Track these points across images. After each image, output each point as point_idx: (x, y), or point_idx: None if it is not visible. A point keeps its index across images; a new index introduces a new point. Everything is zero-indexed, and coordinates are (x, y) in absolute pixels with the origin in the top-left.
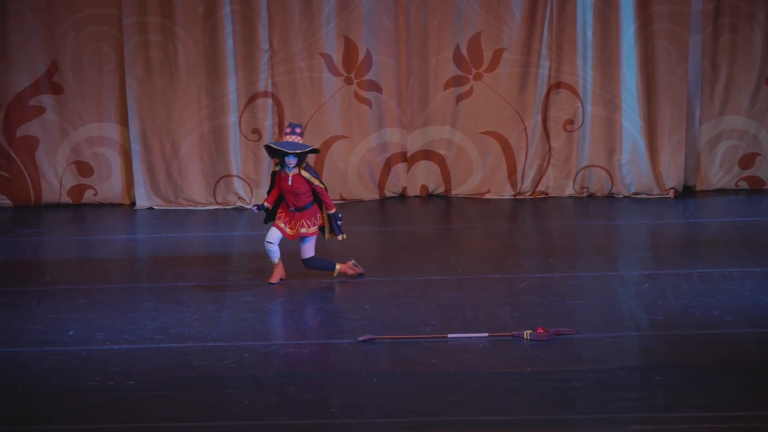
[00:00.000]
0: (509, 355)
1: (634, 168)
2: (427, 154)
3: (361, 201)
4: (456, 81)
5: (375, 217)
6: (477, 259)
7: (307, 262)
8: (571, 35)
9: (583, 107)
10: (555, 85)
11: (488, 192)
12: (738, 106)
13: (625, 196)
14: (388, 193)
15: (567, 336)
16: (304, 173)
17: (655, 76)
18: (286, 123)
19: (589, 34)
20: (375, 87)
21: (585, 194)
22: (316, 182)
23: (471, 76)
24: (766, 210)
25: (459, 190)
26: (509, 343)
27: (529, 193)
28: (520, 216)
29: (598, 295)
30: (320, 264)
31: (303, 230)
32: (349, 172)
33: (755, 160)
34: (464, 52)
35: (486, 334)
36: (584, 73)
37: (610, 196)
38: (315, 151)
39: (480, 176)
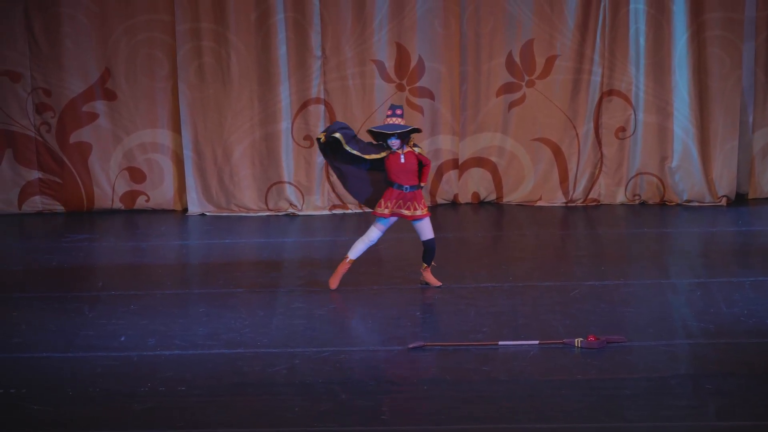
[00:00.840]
0: (560, 363)
1: (686, 175)
2: (479, 161)
3: None
4: (508, 88)
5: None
6: (528, 266)
7: (429, 243)
8: (623, 42)
9: (635, 114)
10: (607, 93)
11: (540, 199)
12: None
13: (677, 204)
14: (439, 200)
15: (618, 344)
16: (417, 149)
17: (707, 83)
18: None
19: (642, 41)
20: (427, 93)
21: (637, 202)
22: (425, 157)
23: (523, 83)
24: None
25: (510, 197)
26: (560, 351)
27: (581, 200)
28: (571, 223)
29: (650, 303)
30: (433, 252)
31: (419, 212)
32: None
33: None
34: (517, 59)
35: (537, 342)
36: (636, 80)
37: (662, 204)
38: (417, 130)
39: (531, 183)
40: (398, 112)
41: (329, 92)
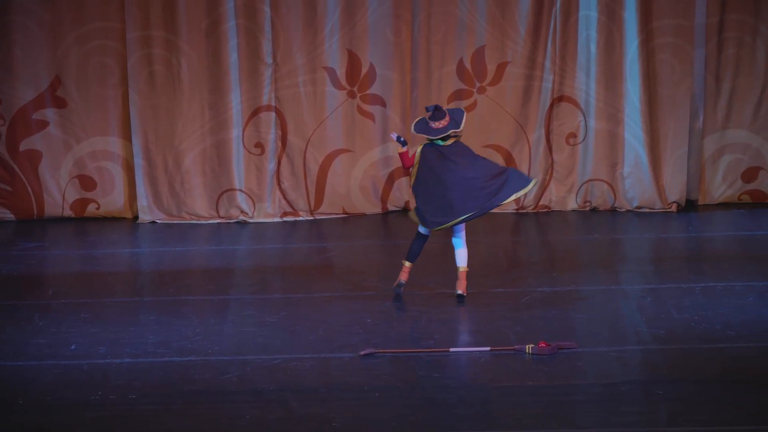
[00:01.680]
0: (511, 370)
1: (636, 182)
2: None
3: (363, 215)
4: (459, 94)
5: (378, 231)
6: (480, 272)
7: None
8: (574, 49)
9: (585, 121)
10: (558, 99)
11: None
12: (741, 120)
13: (628, 210)
14: (390, 207)
15: (569, 350)
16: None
17: (658, 90)
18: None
19: (593, 48)
20: (378, 101)
21: (588, 208)
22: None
23: (474, 90)
24: None
25: None
26: (511, 357)
27: (532, 207)
28: (522, 230)
29: (601, 309)
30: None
31: None
32: (352, 186)
33: (758, 174)
34: (468, 65)
35: (488, 348)
36: (587, 86)
37: (613, 210)
38: (456, 132)
39: None
40: (437, 114)
41: (280, 99)
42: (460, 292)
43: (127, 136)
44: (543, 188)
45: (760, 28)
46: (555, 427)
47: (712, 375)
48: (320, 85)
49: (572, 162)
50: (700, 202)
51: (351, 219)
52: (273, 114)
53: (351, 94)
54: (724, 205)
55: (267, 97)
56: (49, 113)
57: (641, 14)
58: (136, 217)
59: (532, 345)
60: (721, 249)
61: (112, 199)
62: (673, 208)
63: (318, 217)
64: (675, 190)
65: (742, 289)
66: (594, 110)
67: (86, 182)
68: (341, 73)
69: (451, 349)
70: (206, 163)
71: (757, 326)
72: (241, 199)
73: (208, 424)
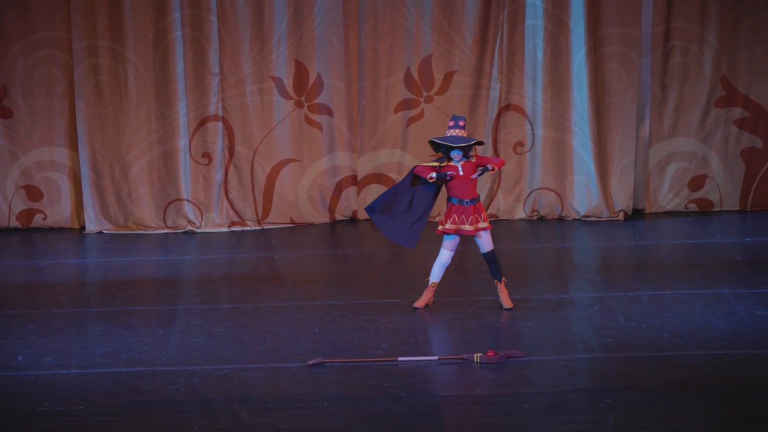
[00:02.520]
0: (460, 379)
1: (584, 190)
2: (378, 178)
3: (311, 224)
4: (406, 104)
5: (325, 241)
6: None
7: (489, 255)
8: (521, 58)
9: (533, 130)
10: (505, 108)
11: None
12: (688, 129)
13: (576, 219)
14: (338, 217)
15: (517, 359)
16: (474, 159)
17: (605, 98)
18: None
19: (539, 56)
20: (326, 110)
21: (535, 217)
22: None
23: (422, 99)
24: (715, 232)
25: None
26: (460, 366)
27: None
28: (470, 239)
29: (549, 318)
30: (497, 263)
31: (481, 224)
32: (300, 196)
33: (704, 182)
34: (415, 75)
35: (436, 358)
36: (534, 95)
37: (561, 219)
38: (480, 143)
39: None
40: (461, 123)
41: (227, 109)
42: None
43: (74, 146)
44: (491, 197)
45: (707, 37)
46: None
47: (659, 383)
48: (267, 94)
49: (520, 171)
50: (647, 211)
51: (299, 228)
52: (220, 124)
53: (298, 104)
54: (671, 214)
55: (214, 107)
56: None
57: (588, 23)
58: (83, 228)
59: (480, 354)
60: (668, 257)
61: (58, 210)
62: (621, 216)
63: (266, 226)
64: (622, 199)
65: (689, 297)
66: (541, 119)
67: (33, 192)
68: (288, 82)
69: (400, 359)
70: (153, 173)
71: (703, 334)
72: (188, 209)
73: None
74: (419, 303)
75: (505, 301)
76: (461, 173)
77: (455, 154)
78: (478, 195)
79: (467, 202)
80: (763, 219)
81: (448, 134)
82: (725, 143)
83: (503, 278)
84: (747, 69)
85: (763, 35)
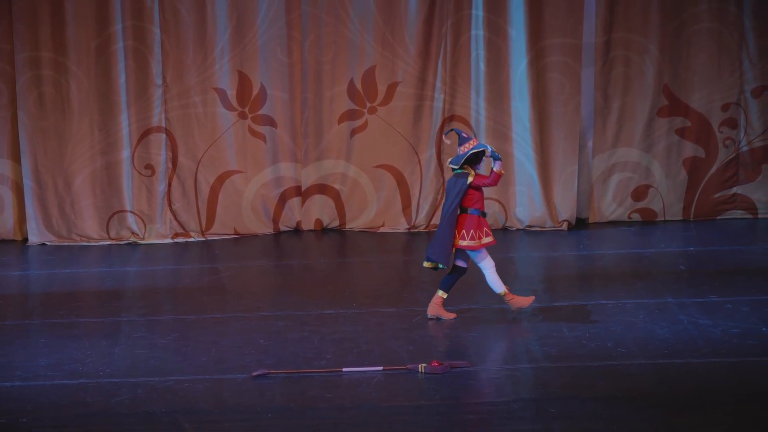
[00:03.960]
0: (404, 389)
1: (527, 201)
2: (322, 188)
3: (255, 235)
4: (350, 115)
5: (269, 252)
6: (372, 292)
7: (464, 271)
8: (464, 68)
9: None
10: (449, 118)
11: (383, 225)
12: (631, 139)
13: (519, 229)
14: (282, 228)
15: (462, 369)
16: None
17: (547, 108)
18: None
19: (482, 67)
20: (269, 121)
21: None
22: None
23: (365, 110)
24: (659, 242)
25: (353, 223)
26: (404, 377)
27: (424, 226)
28: (414, 249)
29: (493, 328)
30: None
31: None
32: (244, 207)
33: (648, 192)
34: (359, 86)
35: (381, 368)
36: (477, 105)
37: (504, 229)
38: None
39: (374, 210)
40: (464, 135)
41: (171, 120)
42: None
43: (16, 158)
44: (435, 207)
45: (648, 47)
46: None
47: (603, 392)
48: (211, 106)
49: None
50: (591, 221)
51: (242, 239)
52: (163, 135)
53: (242, 115)
54: (615, 224)
55: (157, 118)
56: None
57: (530, 33)
58: (25, 239)
59: (424, 364)
60: (612, 267)
61: (1, 222)
62: (564, 226)
63: (209, 237)
64: (565, 209)
65: (633, 306)
66: (484, 129)
67: None
68: (232, 93)
69: (344, 369)
70: (96, 185)
71: (647, 343)
72: (131, 221)
73: None
74: (521, 302)
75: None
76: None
77: (478, 167)
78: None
79: (486, 213)
80: (705, 228)
81: (464, 149)
82: (668, 153)
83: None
84: (689, 78)
85: (705, 44)
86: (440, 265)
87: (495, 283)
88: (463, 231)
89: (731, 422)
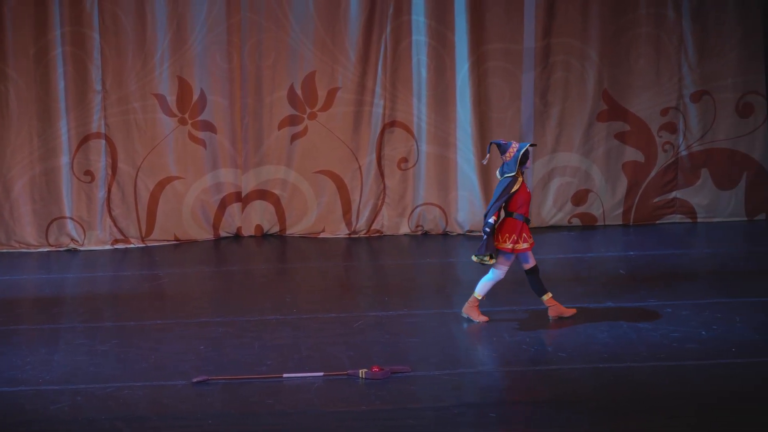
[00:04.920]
0: (345, 394)
1: (468, 206)
2: (262, 194)
3: (195, 241)
4: (290, 120)
5: (210, 258)
6: (312, 298)
7: (533, 269)
8: (405, 74)
9: (417, 145)
10: (389, 124)
11: (323, 231)
12: (570, 143)
13: (459, 234)
14: (222, 233)
15: (402, 374)
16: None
17: (488, 114)
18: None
19: (423, 72)
20: (209, 127)
21: (420, 232)
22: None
23: (305, 116)
24: (599, 246)
25: (294, 229)
26: (345, 382)
27: (364, 231)
28: (355, 254)
29: (434, 333)
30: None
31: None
32: (184, 213)
33: (588, 197)
34: (299, 91)
35: (321, 374)
36: (418, 111)
37: (445, 234)
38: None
39: (315, 215)
40: (503, 142)
41: (110, 126)
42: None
43: None
44: (375, 213)
45: (588, 52)
46: None
47: (544, 396)
48: (151, 111)
49: (404, 187)
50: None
51: (182, 246)
52: (103, 141)
53: (182, 121)
54: (555, 228)
55: (96, 124)
56: None
57: (471, 39)
58: None
59: (365, 369)
60: (552, 271)
61: None
62: None
63: (149, 244)
64: None
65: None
66: (425, 135)
67: None
68: (172, 99)
69: (285, 375)
70: (35, 191)
71: (587, 348)
72: (71, 227)
73: None
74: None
75: (562, 310)
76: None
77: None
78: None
79: (528, 219)
80: (645, 232)
81: (509, 157)
82: (608, 157)
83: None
84: (628, 83)
85: (644, 50)
86: (486, 260)
87: (484, 287)
88: (506, 234)
89: (671, 426)
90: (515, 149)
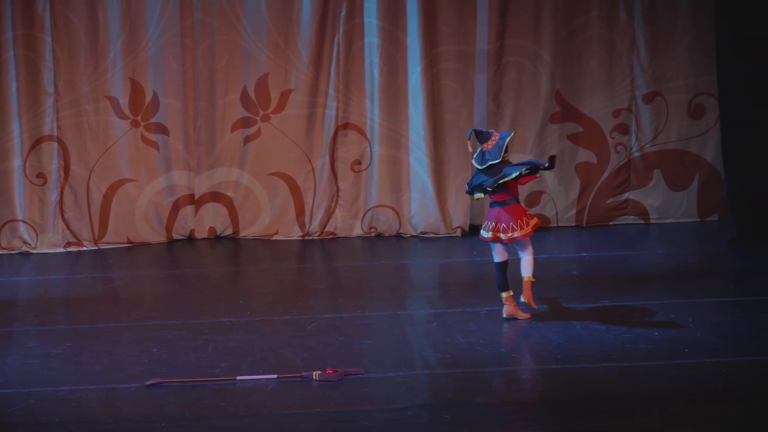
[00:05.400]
0: (299, 397)
1: (421, 207)
2: (215, 196)
3: (148, 244)
4: (244, 123)
5: (163, 260)
6: (266, 300)
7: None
8: (358, 76)
9: (370, 147)
10: (342, 126)
11: (277, 233)
12: (524, 145)
13: (413, 236)
14: (176, 236)
15: (356, 376)
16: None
17: (441, 115)
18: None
19: (376, 74)
20: (162, 129)
21: (373, 234)
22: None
23: (258, 118)
24: (552, 247)
25: (247, 231)
26: (299, 384)
27: (318, 233)
28: (308, 256)
29: (387, 335)
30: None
31: (521, 231)
32: (137, 215)
33: (541, 198)
34: (252, 93)
35: (275, 376)
36: (371, 113)
37: (398, 236)
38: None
39: (268, 218)
40: (484, 131)
41: (63, 129)
42: (522, 299)
43: None
44: (329, 215)
45: (541, 53)
46: None
47: (498, 398)
48: (103, 114)
49: (357, 189)
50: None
51: (136, 248)
52: (55, 144)
53: (135, 123)
54: None
55: (49, 126)
56: None
57: (424, 40)
58: None
59: (319, 372)
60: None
61: None
62: (458, 233)
63: (102, 246)
64: (459, 215)
65: (526, 311)
66: (378, 136)
67: None
68: (124, 102)
69: (238, 378)
70: None
71: (540, 349)
72: (23, 230)
73: None
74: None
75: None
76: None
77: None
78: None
79: (497, 204)
80: (598, 234)
81: (491, 145)
82: (560, 159)
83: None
84: (581, 84)
85: (596, 50)
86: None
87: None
88: (519, 220)
89: (625, 427)
90: (497, 138)
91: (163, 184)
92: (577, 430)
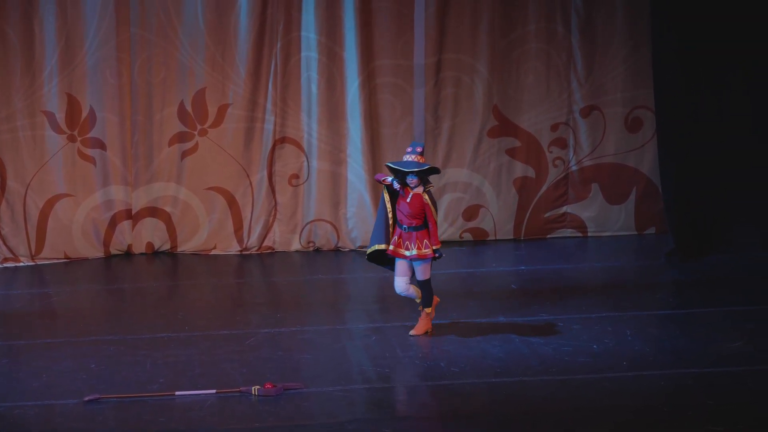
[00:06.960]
0: (238, 412)
1: (359, 221)
2: (153, 211)
3: (86, 259)
4: (181, 137)
5: (100, 276)
6: (205, 315)
7: (423, 284)
8: (295, 90)
9: (308, 161)
10: (280, 140)
11: (215, 248)
12: (461, 159)
13: (351, 250)
14: (113, 251)
15: (295, 390)
16: (426, 198)
17: (379, 129)
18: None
19: (314, 88)
20: (99, 144)
21: (311, 248)
22: (434, 214)
23: (196, 132)
24: (490, 261)
25: (185, 246)
26: (237, 399)
27: (256, 248)
28: (247, 271)
29: (327, 349)
30: (429, 293)
31: (419, 251)
32: (74, 230)
33: (479, 212)
34: (189, 107)
35: (214, 391)
36: (309, 127)
37: (337, 250)
38: (435, 170)
39: (206, 232)
40: (418, 149)
41: None
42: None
43: None
44: (267, 229)
45: (478, 68)
46: None
47: (437, 411)
48: (39, 129)
49: (295, 203)
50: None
51: (73, 264)
52: None
53: (71, 138)
54: (446, 243)
55: None
56: None
57: (361, 55)
58: None
59: (258, 386)
60: (444, 286)
61: None
62: None
63: (39, 262)
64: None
65: (465, 326)
66: (316, 151)
67: None
68: (61, 117)
69: (177, 393)
70: None
71: (480, 362)
72: None
73: None
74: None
75: (418, 328)
76: (407, 200)
77: (410, 179)
78: (423, 224)
79: (407, 228)
80: (536, 247)
81: (405, 159)
82: (498, 173)
83: (429, 308)
84: (518, 99)
85: (533, 65)
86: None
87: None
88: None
89: None
90: (412, 159)
91: (100, 199)
92: None
